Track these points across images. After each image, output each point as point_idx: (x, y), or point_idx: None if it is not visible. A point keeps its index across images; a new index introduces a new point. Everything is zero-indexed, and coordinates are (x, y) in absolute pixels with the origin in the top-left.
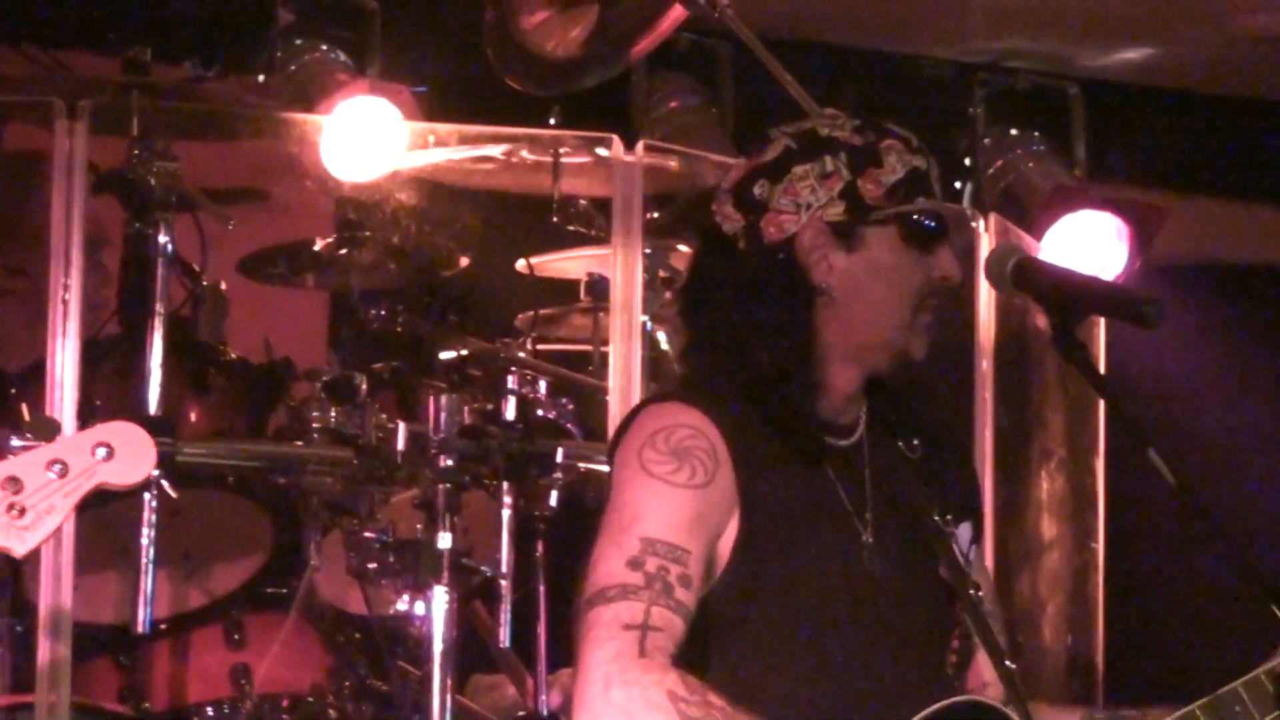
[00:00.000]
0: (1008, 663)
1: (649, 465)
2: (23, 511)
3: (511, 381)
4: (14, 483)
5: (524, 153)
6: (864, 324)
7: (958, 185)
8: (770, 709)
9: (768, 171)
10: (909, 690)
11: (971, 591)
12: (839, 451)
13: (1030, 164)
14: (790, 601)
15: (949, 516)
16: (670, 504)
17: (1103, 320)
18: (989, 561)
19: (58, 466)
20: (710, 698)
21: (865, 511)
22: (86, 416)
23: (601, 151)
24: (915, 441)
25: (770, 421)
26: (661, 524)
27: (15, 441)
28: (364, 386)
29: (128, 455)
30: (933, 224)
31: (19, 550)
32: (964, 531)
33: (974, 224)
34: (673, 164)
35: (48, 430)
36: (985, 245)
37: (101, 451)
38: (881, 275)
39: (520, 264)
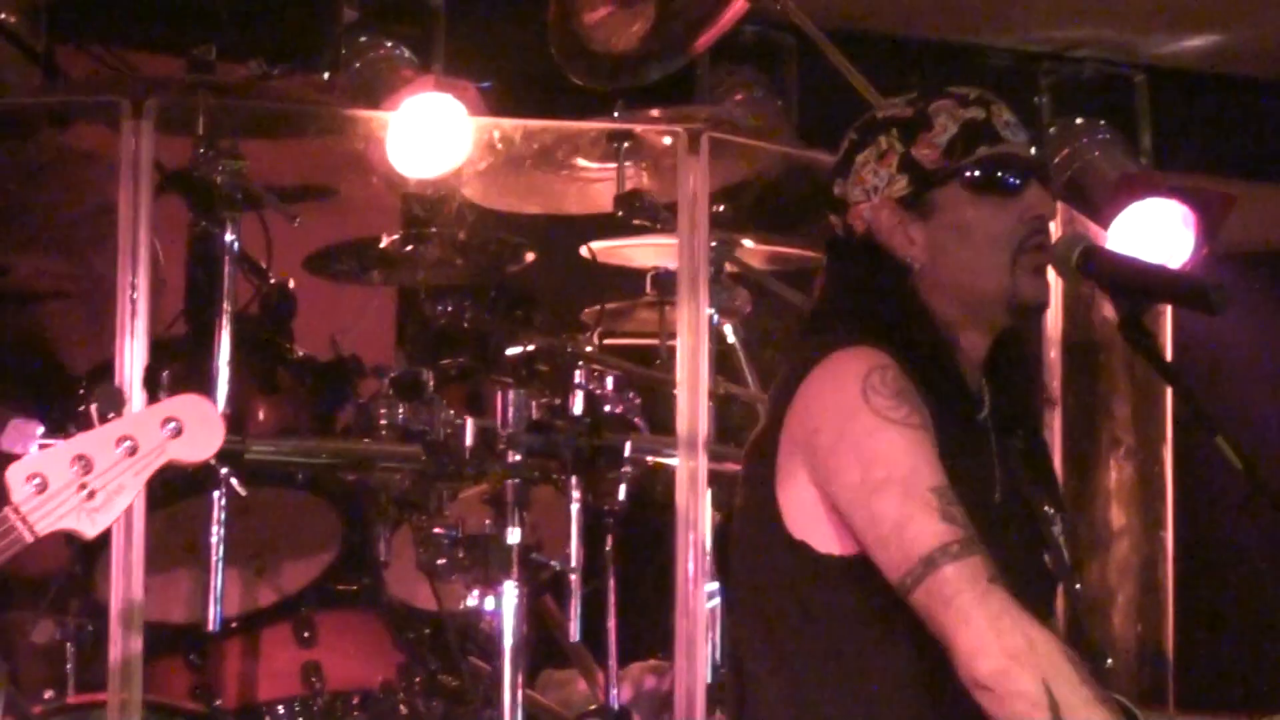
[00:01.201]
0: (1109, 661)
1: (886, 412)
2: (93, 493)
3: (578, 376)
4: (83, 461)
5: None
6: (964, 285)
7: None
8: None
9: (839, 170)
10: None
11: (1078, 586)
12: (978, 420)
13: (1096, 153)
14: None
15: (1050, 508)
16: (925, 449)
17: (1169, 308)
18: None
19: (127, 444)
20: (1089, 672)
21: (994, 490)
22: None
23: (666, 142)
24: (1021, 432)
25: (930, 379)
26: (933, 471)
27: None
28: (431, 383)
29: (197, 430)
30: (999, 169)
31: (90, 533)
32: (1059, 524)
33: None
34: (741, 161)
35: (114, 401)
36: (1052, 234)
37: (171, 427)
38: (964, 234)
39: (583, 250)
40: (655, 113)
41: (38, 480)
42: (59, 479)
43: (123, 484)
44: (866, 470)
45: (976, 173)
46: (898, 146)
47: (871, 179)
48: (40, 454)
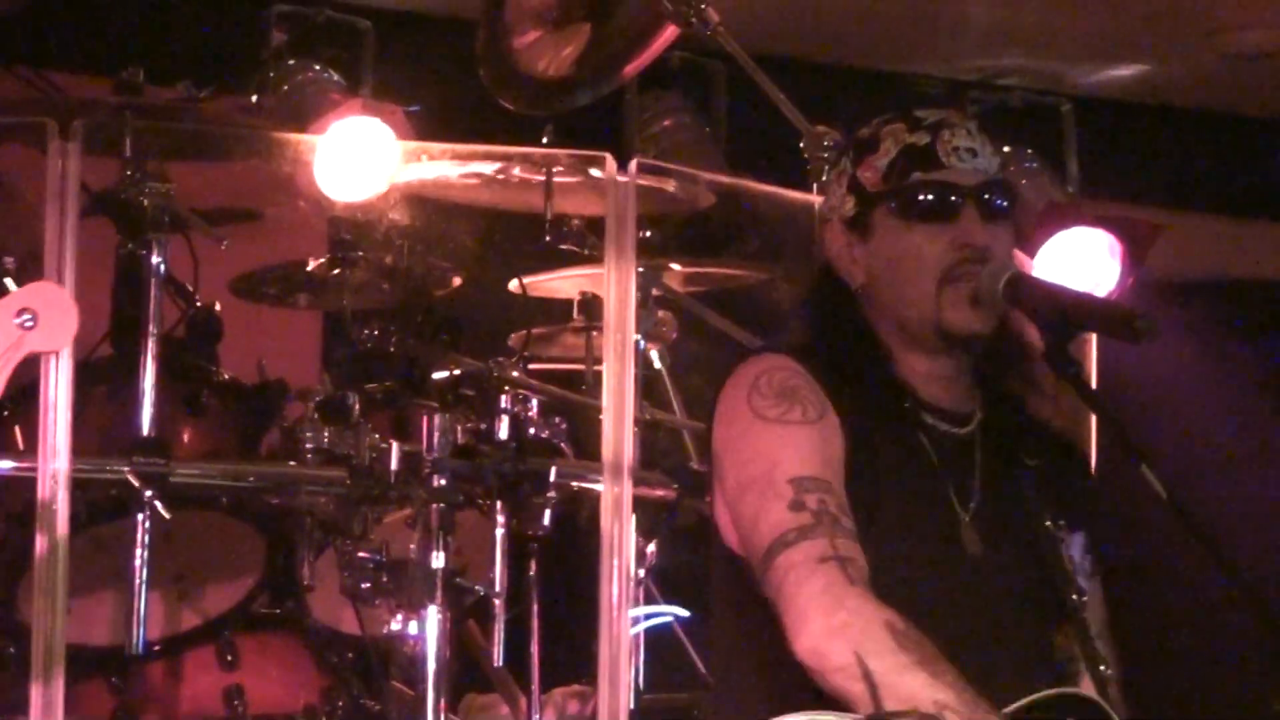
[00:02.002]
0: (1102, 668)
1: (762, 411)
2: None
3: (504, 401)
4: None
5: (516, 171)
6: (894, 306)
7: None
8: None
9: (823, 192)
10: (1003, 663)
11: (1074, 596)
12: (946, 436)
13: (1023, 181)
14: (886, 552)
15: (1061, 522)
16: (796, 441)
17: (1095, 336)
18: None
19: None
20: (924, 637)
21: (970, 501)
22: (80, 437)
23: (594, 171)
24: (1033, 450)
25: (858, 381)
26: (799, 462)
27: None
28: (357, 407)
29: (52, 318)
30: (928, 195)
31: None
32: (1079, 542)
33: None
34: (667, 183)
35: None
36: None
37: (25, 318)
38: (894, 257)
39: (513, 284)
40: None
41: None
42: None
43: None
44: (739, 471)
45: (906, 198)
46: (849, 168)
47: (831, 199)
48: None
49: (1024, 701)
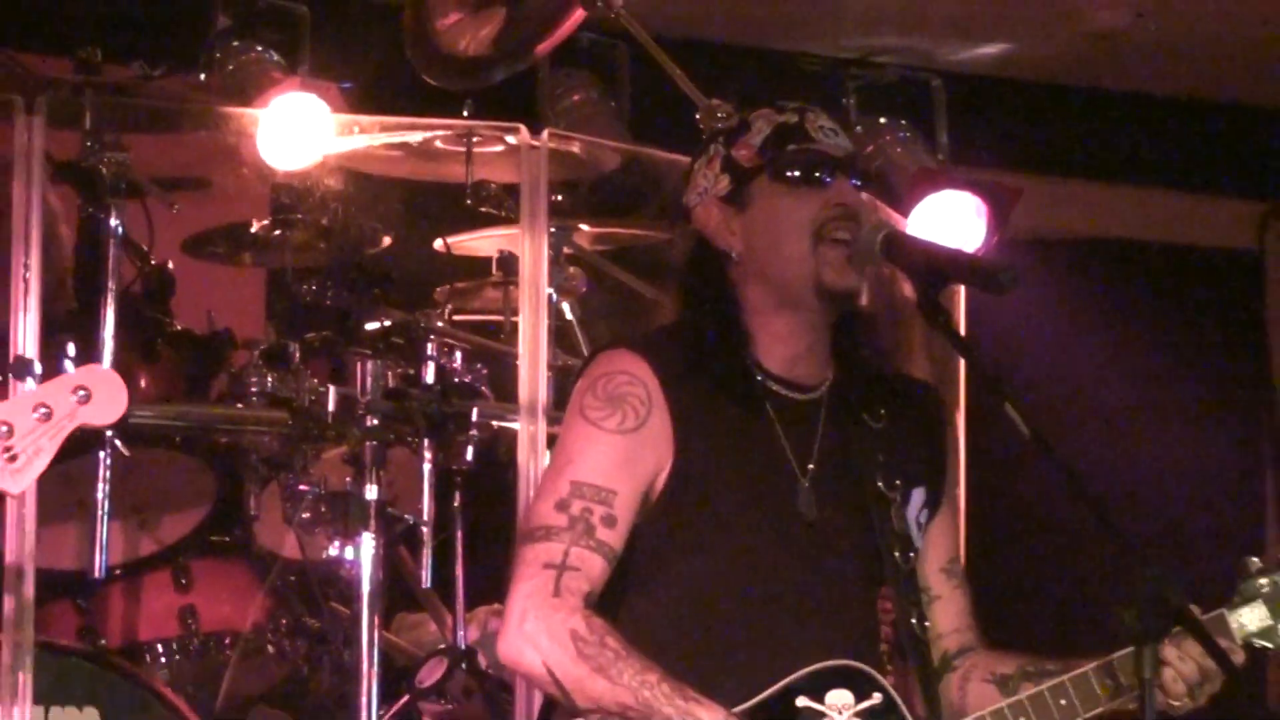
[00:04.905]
0: (913, 621)
1: (586, 411)
2: (15, 456)
3: (430, 349)
4: (4, 427)
5: (439, 142)
6: (773, 270)
7: None
8: (685, 643)
9: (684, 184)
10: (830, 634)
11: (898, 554)
12: (791, 404)
13: (898, 149)
14: (713, 532)
15: (898, 482)
16: (600, 448)
17: (963, 288)
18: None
19: (42, 410)
20: (608, 640)
21: (809, 462)
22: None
23: (510, 140)
24: (881, 411)
25: (704, 368)
26: (590, 467)
27: None
28: (297, 354)
29: (103, 397)
30: (804, 162)
31: (14, 490)
32: (916, 498)
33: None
34: (575, 150)
35: (23, 368)
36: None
37: (81, 394)
38: (772, 221)
39: (438, 243)
40: None
41: None
42: None
43: (40, 446)
44: (555, 454)
45: (782, 166)
46: (721, 150)
47: (702, 182)
48: None
49: (795, 677)
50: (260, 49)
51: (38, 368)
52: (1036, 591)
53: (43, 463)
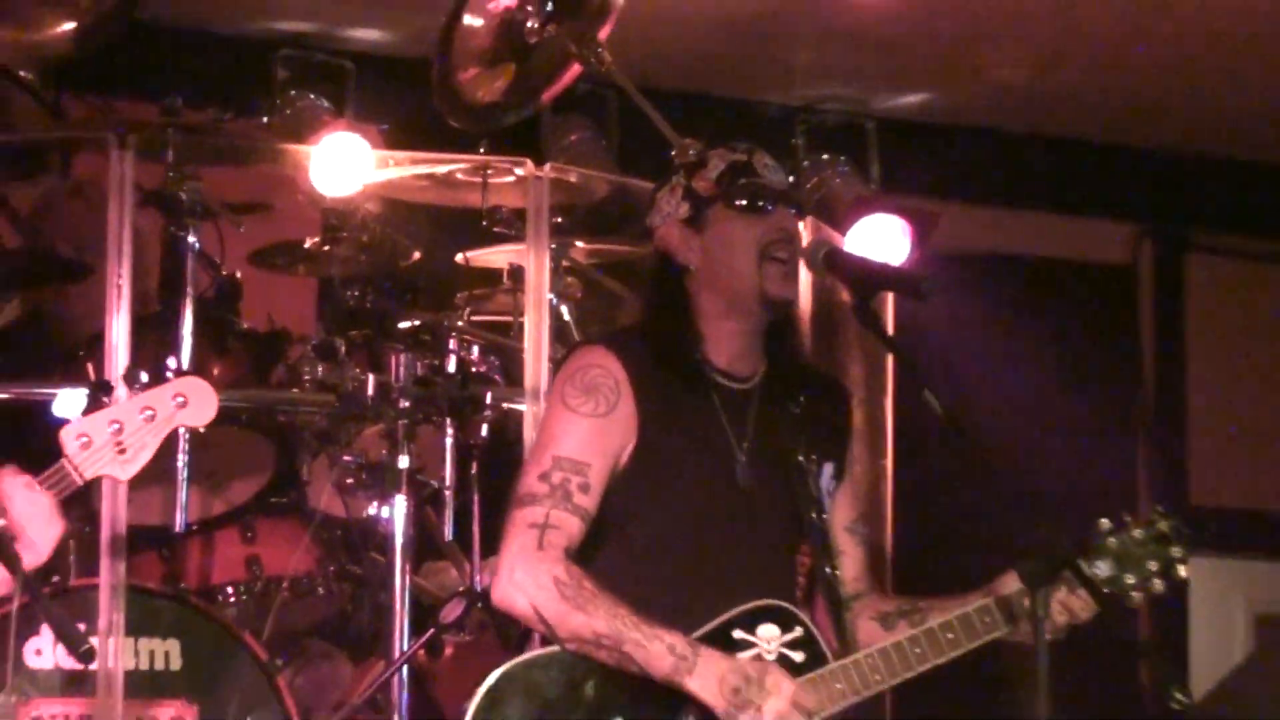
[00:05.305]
0: (826, 570)
1: (566, 400)
2: (125, 449)
3: (452, 344)
4: (116, 425)
5: (459, 174)
6: (724, 280)
7: None
8: (645, 586)
9: (649, 208)
10: (760, 580)
11: (814, 514)
12: (732, 393)
13: (837, 180)
14: (668, 500)
15: (814, 456)
16: (578, 429)
17: (891, 296)
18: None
19: (148, 412)
20: (584, 584)
21: (745, 440)
22: (134, 374)
23: (518, 171)
24: (802, 399)
25: (664, 363)
26: (569, 445)
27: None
28: (342, 348)
29: (197, 402)
30: (751, 194)
31: (123, 477)
32: (828, 470)
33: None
34: (572, 180)
35: (133, 378)
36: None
37: (179, 400)
38: (725, 241)
39: (458, 257)
40: None
41: (84, 439)
42: (100, 438)
43: (145, 442)
44: (540, 434)
45: (735, 196)
46: (682, 181)
47: (665, 207)
48: (86, 419)
49: (732, 613)
50: (313, 97)
51: (144, 376)
52: (954, 544)
53: (147, 456)
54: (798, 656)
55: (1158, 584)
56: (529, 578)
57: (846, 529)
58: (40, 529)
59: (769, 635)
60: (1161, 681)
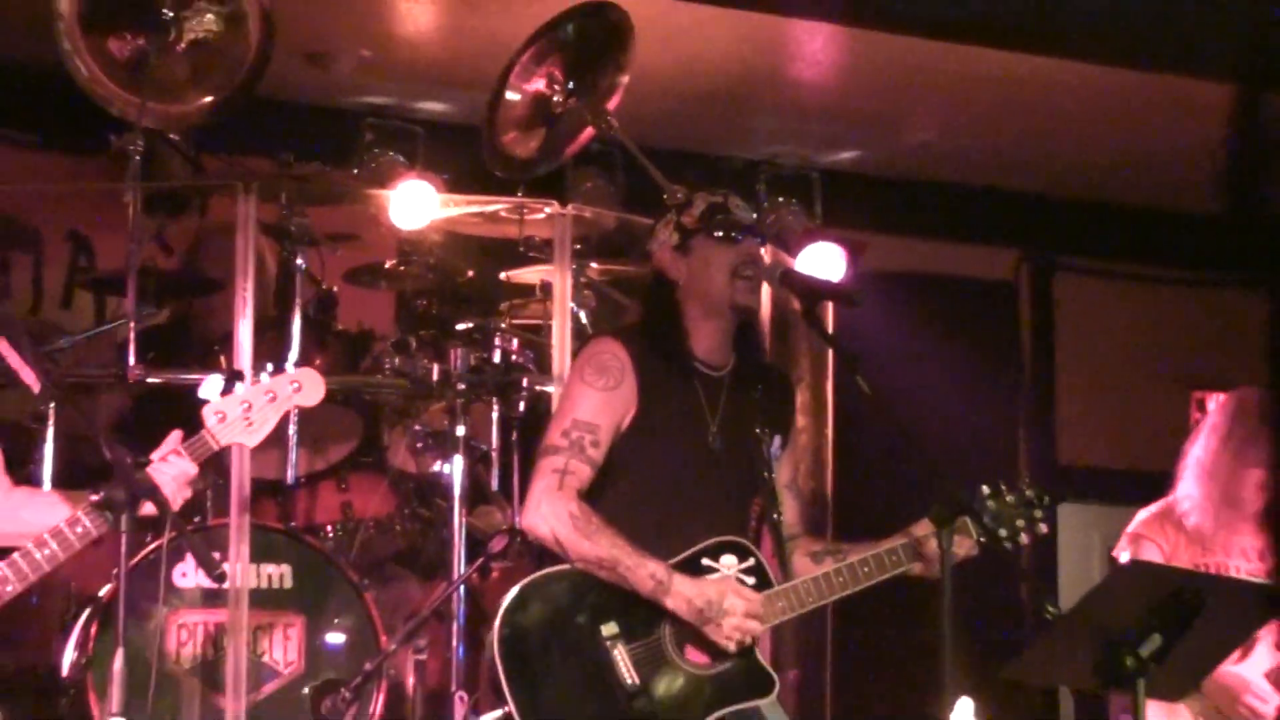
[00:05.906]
0: (774, 516)
1: (584, 376)
2: (251, 423)
3: (497, 341)
4: (245, 404)
5: (503, 212)
6: (704, 294)
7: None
8: (638, 520)
9: (651, 238)
10: (724, 521)
11: (765, 474)
12: (710, 379)
13: (790, 218)
14: (658, 456)
15: (767, 430)
16: (592, 399)
17: (831, 304)
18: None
19: (269, 394)
20: (592, 518)
21: (717, 415)
22: (258, 365)
23: (547, 210)
24: (760, 387)
25: (658, 353)
26: (585, 410)
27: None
28: (414, 344)
29: (309, 387)
30: (726, 227)
31: (250, 444)
32: (776, 441)
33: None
34: (588, 216)
35: (237, 376)
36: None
37: (294, 385)
38: (705, 263)
39: (502, 275)
40: None
41: (220, 415)
42: (233, 415)
43: (268, 417)
44: (562, 402)
45: (714, 228)
46: (674, 217)
47: (661, 236)
48: (223, 399)
49: (702, 545)
50: (391, 153)
51: (248, 376)
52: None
53: (269, 428)
54: (750, 581)
55: (1024, 538)
56: (550, 510)
57: (786, 486)
58: (174, 489)
59: (729, 563)
60: (1037, 599)
